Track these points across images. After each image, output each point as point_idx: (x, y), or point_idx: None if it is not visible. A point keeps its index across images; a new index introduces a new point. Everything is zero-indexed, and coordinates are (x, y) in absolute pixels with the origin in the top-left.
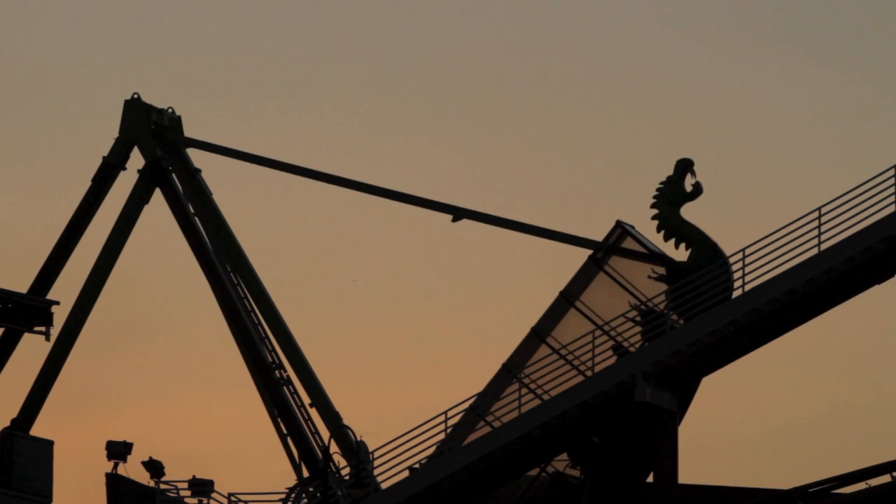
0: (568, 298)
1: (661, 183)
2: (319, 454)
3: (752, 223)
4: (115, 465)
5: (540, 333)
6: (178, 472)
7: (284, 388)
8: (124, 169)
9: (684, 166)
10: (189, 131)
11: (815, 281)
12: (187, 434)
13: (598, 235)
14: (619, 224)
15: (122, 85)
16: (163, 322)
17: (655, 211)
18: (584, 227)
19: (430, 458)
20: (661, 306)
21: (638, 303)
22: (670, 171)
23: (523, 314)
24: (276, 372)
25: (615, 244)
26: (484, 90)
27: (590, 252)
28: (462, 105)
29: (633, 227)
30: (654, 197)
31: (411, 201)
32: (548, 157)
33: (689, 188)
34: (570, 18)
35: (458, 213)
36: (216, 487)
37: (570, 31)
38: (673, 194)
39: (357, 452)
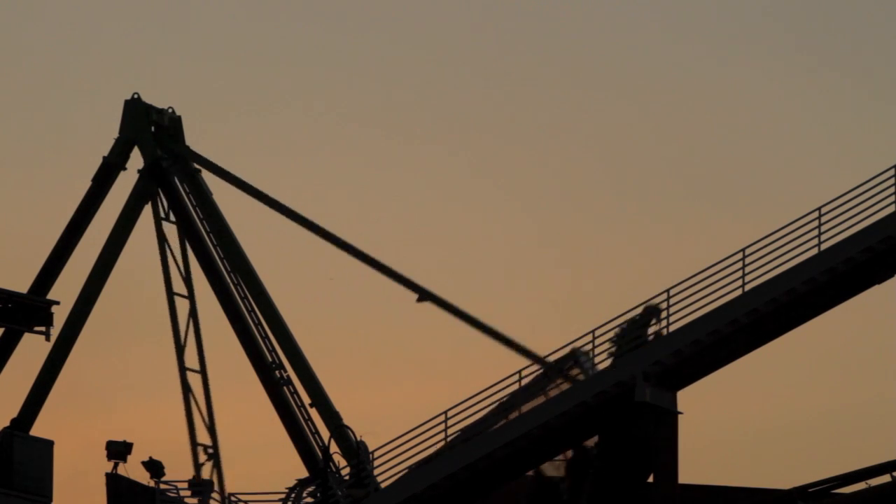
0: (506, 409)
1: (627, 322)
2: (319, 454)
3: (752, 223)
4: (115, 465)
5: (467, 434)
6: (178, 472)
7: (284, 388)
8: (124, 169)
9: (650, 314)
10: (189, 131)
11: (815, 281)
12: (187, 434)
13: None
14: (573, 352)
15: (122, 85)
16: (163, 322)
17: (613, 347)
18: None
19: (436, 454)
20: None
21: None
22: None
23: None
24: (277, 372)
25: (564, 371)
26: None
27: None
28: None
29: (588, 357)
30: (616, 334)
31: (385, 271)
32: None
33: (650, 336)
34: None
35: (424, 295)
36: (216, 487)
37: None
38: (634, 338)
39: (357, 452)
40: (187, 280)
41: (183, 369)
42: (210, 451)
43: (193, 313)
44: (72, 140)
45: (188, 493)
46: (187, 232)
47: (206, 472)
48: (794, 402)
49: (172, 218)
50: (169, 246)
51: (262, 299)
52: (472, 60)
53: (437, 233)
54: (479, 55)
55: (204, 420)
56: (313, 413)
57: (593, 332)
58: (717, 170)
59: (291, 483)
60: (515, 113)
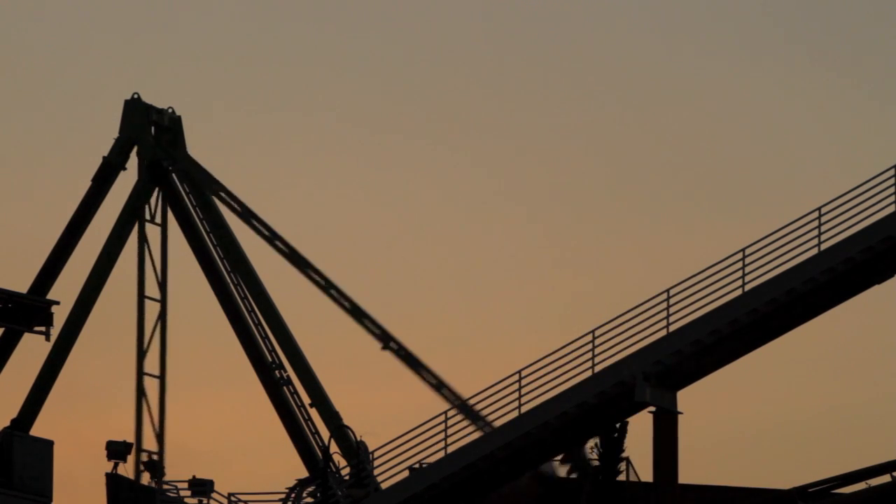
0: None
1: None
2: (319, 454)
3: (752, 223)
4: (115, 465)
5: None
6: (178, 472)
7: (284, 388)
8: (124, 169)
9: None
10: (189, 131)
11: (815, 281)
12: (187, 434)
13: None
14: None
15: (122, 85)
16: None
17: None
18: None
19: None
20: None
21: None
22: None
23: None
24: (276, 372)
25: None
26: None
27: None
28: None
29: None
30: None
31: (355, 315)
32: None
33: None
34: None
35: (388, 342)
36: (216, 487)
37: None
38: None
39: (357, 452)
40: (162, 284)
41: (141, 374)
42: (155, 457)
43: (163, 317)
44: (72, 140)
45: (188, 493)
46: (187, 232)
47: (146, 479)
48: (794, 402)
49: (158, 220)
50: (149, 248)
51: (262, 299)
52: (473, 60)
53: (437, 232)
54: (479, 55)
55: (154, 427)
56: (313, 413)
57: (593, 332)
58: (717, 170)
59: (291, 483)
60: (516, 113)
